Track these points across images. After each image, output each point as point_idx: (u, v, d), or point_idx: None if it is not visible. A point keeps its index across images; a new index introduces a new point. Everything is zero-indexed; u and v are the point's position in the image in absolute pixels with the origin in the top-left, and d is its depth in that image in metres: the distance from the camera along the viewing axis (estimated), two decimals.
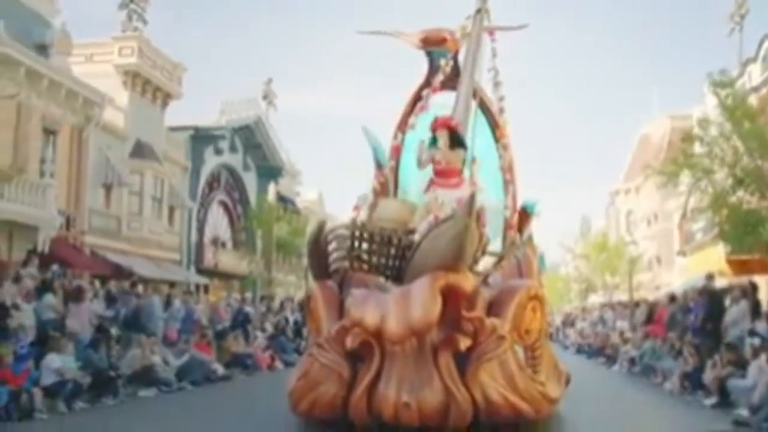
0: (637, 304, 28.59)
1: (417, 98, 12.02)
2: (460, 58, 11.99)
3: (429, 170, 10.45)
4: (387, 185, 11.41)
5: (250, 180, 41.76)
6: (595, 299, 46.82)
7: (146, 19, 31.81)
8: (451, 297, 7.36)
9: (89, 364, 14.60)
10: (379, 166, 11.63)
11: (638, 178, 46.02)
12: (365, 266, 9.01)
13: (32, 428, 11.21)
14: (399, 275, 9.00)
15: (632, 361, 22.02)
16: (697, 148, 17.59)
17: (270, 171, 43.00)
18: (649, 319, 22.84)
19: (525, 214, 11.29)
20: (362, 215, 9.43)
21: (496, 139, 11.82)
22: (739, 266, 22.63)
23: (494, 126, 11.93)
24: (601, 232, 51.45)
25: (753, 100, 20.01)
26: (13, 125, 22.59)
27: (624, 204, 53.71)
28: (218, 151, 37.70)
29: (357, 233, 8.53)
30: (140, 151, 30.04)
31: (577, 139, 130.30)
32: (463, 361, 8.02)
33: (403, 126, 11.82)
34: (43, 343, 14.35)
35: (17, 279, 16.19)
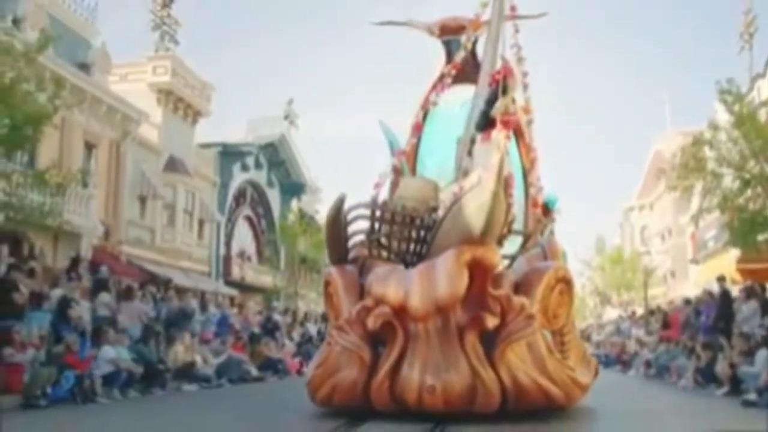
0: (652, 312, 29.40)
1: (437, 83, 11.42)
2: (479, 49, 11.27)
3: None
4: (409, 160, 10.86)
5: (274, 196, 42.89)
6: (612, 313, 47.52)
7: (177, 39, 33.20)
8: (477, 272, 7.08)
9: (141, 357, 15.69)
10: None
11: (652, 194, 46.94)
12: (384, 253, 8.58)
13: (96, 411, 12.08)
14: (422, 261, 8.52)
15: (648, 364, 22.78)
16: (707, 152, 18.52)
17: (293, 188, 44.15)
18: (665, 324, 23.70)
19: (546, 210, 10.93)
20: (383, 193, 8.73)
21: (517, 137, 11.17)
22: (749, 274, 23.31)
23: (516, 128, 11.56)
24: (617, 246, 52.14)
25: (763, 114, 20.91)
26: (58, 139, 23.82)
27: (638, 220, 54.49)
28: (245, 168, 38.90)
29: (378, 213, 7.92)
30: (173, 165, 31.26)
31: (590, 156, 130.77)
32: (490, 342, 7.64)
33: (425, 105, 11.23)
34: (98, 337, 15.47)
35: (71, 278, 17.33)
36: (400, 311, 7.38)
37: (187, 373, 17.32)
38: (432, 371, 7.56)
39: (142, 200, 29.59)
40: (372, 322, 7.36)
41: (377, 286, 7.31)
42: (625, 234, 56.54)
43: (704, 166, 18.22)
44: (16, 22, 22.35)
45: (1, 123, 13.75)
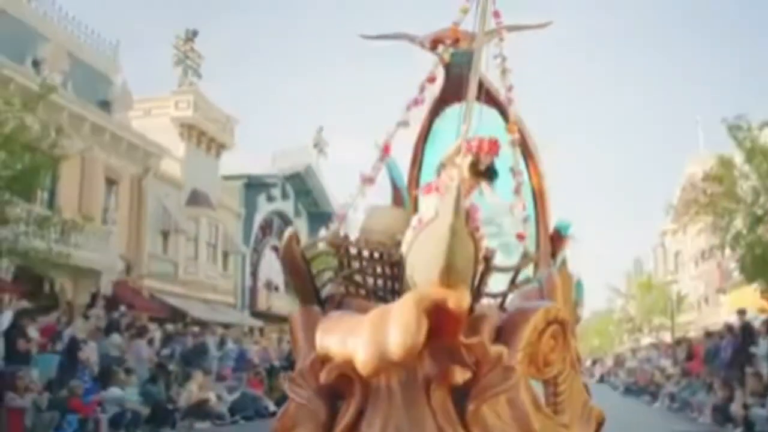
0: (678, 342, 28.94)
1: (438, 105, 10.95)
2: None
3: None
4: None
5: (301, 225, 42.98)
6: (648, 339, 46.94)
7: (200, 73, 33.58)
8: (443, 319, 6.25)
9: (149, 397, 15.77)
10: (394, 186, 10.37)
11: (685, 217, 46.18)
12: (363, 291, 7.99)
13: None
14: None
15: (672, 397, 22.49)
16: (717, 188, 18.23)
17: (320, 216, 44.28)
18: (689, 356, 23.34)
19: (558, 236, 10.46)
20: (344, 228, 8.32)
21: (525, 154, 10.73)
22: None
23: (524, 146, 10.90)
24: (647, 273, 51.47)
25: None
26: (78, 176, 24.17)
27: (672, 244, 53.77)
28: (270, 198, 39.11)
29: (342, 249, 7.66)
30: (196, 199, 31.52)
31: (623, 178, 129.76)
32: (464, 398, 7.35)
33: (422, 132, 10.60)
34: (106, 377, 15.58)
35: (87, 317, 17.53)
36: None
37: (199, 410, 17.36)
38: None
39: (165, 234, 29.83)
40: (325, 377, 6.55)
41: (321, 336, 6.46)
42: (659, 259, 55.80)
43: (715, 202, 17.95)
44: (35, 63, 22.78)
45: (3, 171, 13.91)
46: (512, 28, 9.96)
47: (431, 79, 8.05)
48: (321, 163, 44.90)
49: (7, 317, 13.70)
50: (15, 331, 13.62)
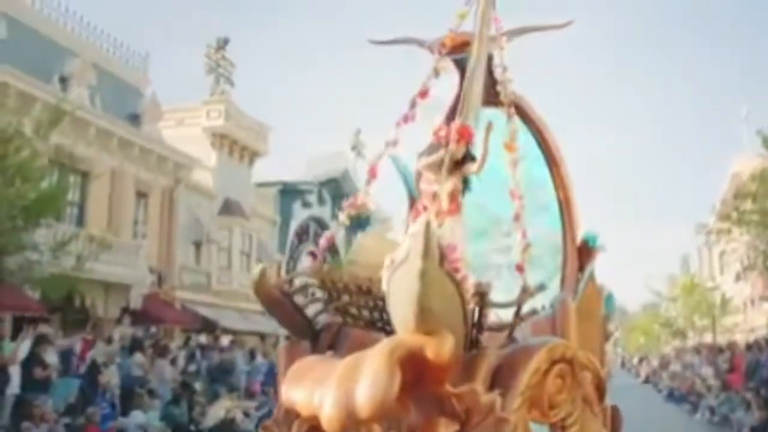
0: (721, 350, 28.13)
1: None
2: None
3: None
4: None
5: (339, 230, 42.66)
6: (692, 341, 45.92)
7: (233, 81, 33.49)
8: (423, 368, 5.28)
9: (171, 420, 15.63)
10: (410, 195, 9.48)
11: (727, 222, 44.93)
12: (361, 321, 6.79)
13: None
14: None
15: (712, 411, 21.87)
16: (749, 205, 17.56)
17: (358, 220, 43.94)
18: (731, 368, 22.67)
19: (586, 248, 9.03)
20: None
21: (550, 164, 9.79)
22: None
23: (544, 146, 9.96)
24: (690, 274, 50.30)
25: None
26: (108, 190, 24.19)
27: (717, 245, 52.43)
28: (306, 205, 38.91)
29: (327, 283, 6.26)
30: (228, 208, 31.42)
31: (666, 177, 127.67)
32: None
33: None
34: (129, 398, 15.48)
35: (110, 340, 17.46)
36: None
37: (225, 430, 17.17)
38: None
39: (197, 245, 29.78)
40: (296, 429, 5.61)
41: (288, 386, 5.45)
42: (703, 259, 54.54)
43: (748, 219, 17.28)
44: (63, 80, 22.80)
45: (16, 200, 13.83)
46: (532, 29, 8.77)
47: (423, 94, 7.23)
48: (359, 167, 44.63)
49: (26, 346, 13.62)
50: (33, 358, 13.53)
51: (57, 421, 13.12)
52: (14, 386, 12.83)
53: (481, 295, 5.59)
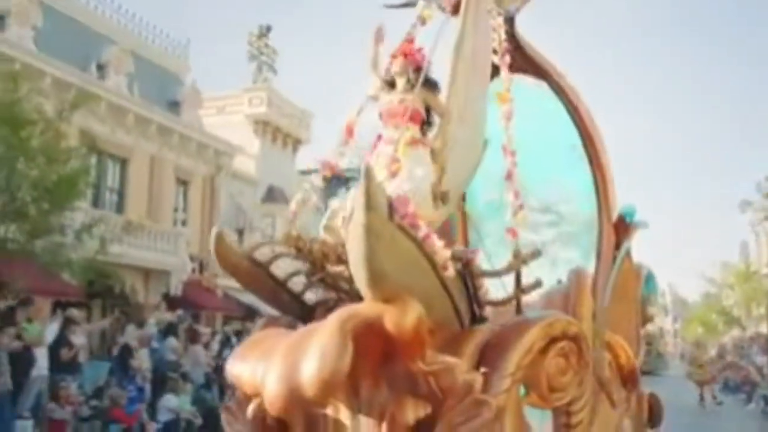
0: None
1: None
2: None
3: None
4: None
5: None
6: (750, 331, 44.63)
7: (275, 68, 33.42)
8: (390, 342, 4.61)
9: (202, 403, 15.53)
10: None
11: None
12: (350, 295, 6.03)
13: None
14: None
15: (766, 400, 21.22)
16: None
17: (336, 182, 43.64)
18: None
19: (623, 224, 8.26)
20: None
21: (584, 138, 8.77)
22: None
23: (578, 120, 8.92)
24: (747, 261, 48.82)
25: None
26: (148, 177, 24.29)
27: None
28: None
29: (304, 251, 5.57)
30: (272, 195, 31.37)
31: (721, 161, 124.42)
32: None
33: None
34: (161, 382, 15.42)
35: (141, 324, 17.43)
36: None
37: None
38: None
39: (240, 232, 29.74)
40: (252, 410, 4.87)
41: (233, 361, 4.77)
42: (762, 245, 52.91)
43: None
44: (100, 67, 22.90)
45: (40, 181, 13.85)
46: None
47: (409, 42, 6.33)
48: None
49: (53, 330, 13.61)
50: (61, 341, 13.52)
51: (85, 403, 13.12)
52: (41, 368, 12.79)
53: (465, 263, 4.84)
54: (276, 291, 5.59)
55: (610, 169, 8.09)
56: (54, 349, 13.28)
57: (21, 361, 12.31)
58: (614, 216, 7.97)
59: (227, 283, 28.26)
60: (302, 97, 34.15)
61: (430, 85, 5.27)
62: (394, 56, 5.37)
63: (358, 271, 4.30)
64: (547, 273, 6.77)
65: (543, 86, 8.65)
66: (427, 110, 5.22)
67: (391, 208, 3.98)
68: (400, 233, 4.09)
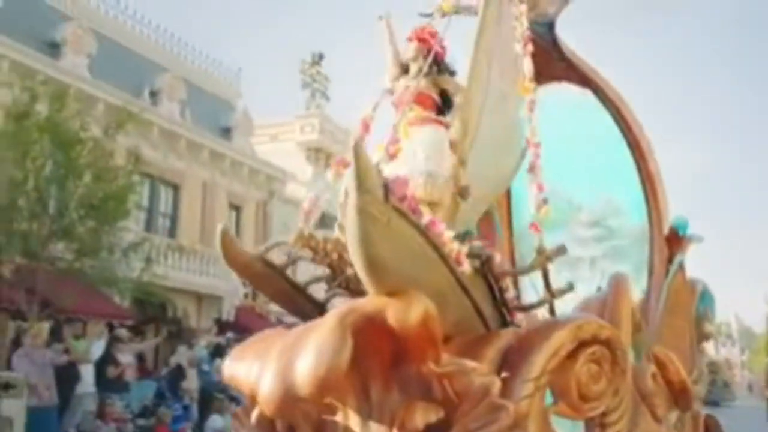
0: None
1: None
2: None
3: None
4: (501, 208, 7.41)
5: None
6: None
7: (328, 95, 33.55)
8: (398, 341, 4.28)
9: None
10: None
11: None
12: None
13: None
14: None
15: None
16: None
17: None
18: None
19: (675, 237, 8.01)
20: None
21: (632, 147, 8.08)
22: None
23: (625, 127, 8.04)
24: None
25: None
26: (200, 202, 24.46)
27: None
28: None
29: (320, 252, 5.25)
30: (324, 221, 31.23)
31: None
32: None
33: None
34: (208, 403, 15.35)
35: (191, 346, 17.45)
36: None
37: None
38: None
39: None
40: (255, 416, 4.57)
41: (230, 362, 4.51)
42: None
43: None
44: (153, 94, 23.24)
45: (84, 198, 13.99)
46: None
47: (423, 36, 5.96)
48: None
49: (100, 346, 13.65)
50: (107, 358, 13.55)
51: (131, 422, 13.11)
52: (87, 385, 12.81)
53: (484, 260, 4.44)
54: (293, 295, 5.37)
55: (660, 180, 7.88)
56: (101, 367, 13.32)
57: (67, 377, 12.37)
58: (666, 228, 7.76)
59: (280, 309, 28.29)
60: (355, 123, 34.19)
61: (445, 68, 5.05)
62: (409, 39, 5.18)
63: (355, 259, 3.90)
64: (594, 285, 6.54)
65: (588, 95, 8.38)
66: (444, 96, 4.95)
67: (387, 189, 3.56)
68: (399, 217, 3.68)
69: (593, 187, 7.95)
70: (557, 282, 4.92)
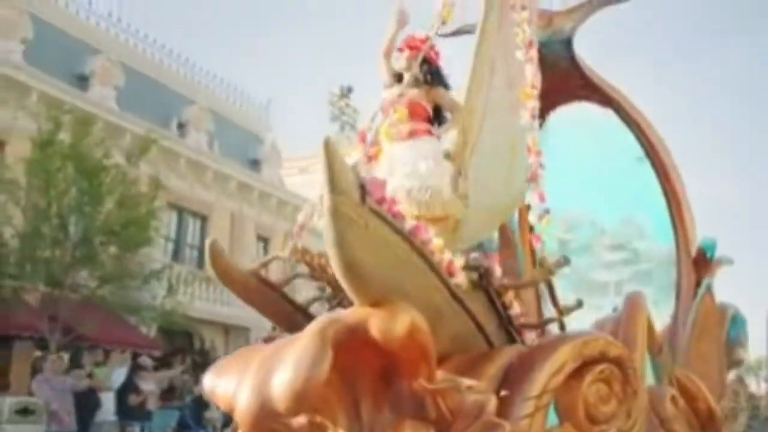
0: None
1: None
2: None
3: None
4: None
5: None
6: None
7: (357, 128, 33.59)
8: (386, 355, 4.05)
9: None
10: None
11: None
12: None
13: None
14: None
15: None
16: None
17: None
18: None
19: (703, 259, 8.16)
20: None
21: (656, 168, 8.12)
22: None
23: (648, 148, 7.99)
24: None
25: None
26: (228, 234, 24.47)
27: None
28: None
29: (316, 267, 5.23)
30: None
31: None
32: None
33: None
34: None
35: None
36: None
37: None
38: None
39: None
40: None
41: (211, 377, 4.39)
42: None
43: None
44: (180, 126, 23.40)
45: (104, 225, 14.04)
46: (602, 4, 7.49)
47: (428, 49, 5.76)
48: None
49: (121, 374, 13.58)
50: (129, 386, 13.47)
51: None
52: (107, 413, 12.73)
53: (482, 273, 4.15)
54: (289, 312, 5.21)
55: (686, 201, 7.90)
56: (123, 395, 13.25)
57: (87, 405, 12.31)
58: (693, 251, 7.69)
59: None
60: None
61: (439, 81, 4.95)
62: (400, 50, 5.05)
63: (334, 265, 3.64)
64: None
65: (610, 114, 8.15)
66: (437, 110, 4.89)
67: (364, 190, 3.31)
68: (378, 220, 3.41)
69: (615, 209, 7.98)
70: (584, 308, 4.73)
